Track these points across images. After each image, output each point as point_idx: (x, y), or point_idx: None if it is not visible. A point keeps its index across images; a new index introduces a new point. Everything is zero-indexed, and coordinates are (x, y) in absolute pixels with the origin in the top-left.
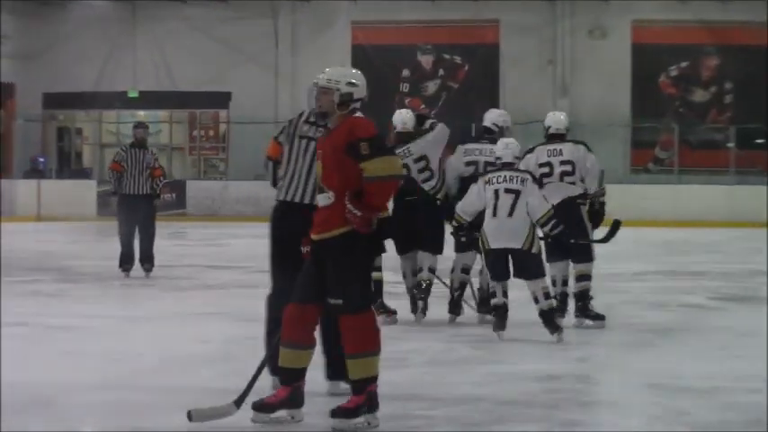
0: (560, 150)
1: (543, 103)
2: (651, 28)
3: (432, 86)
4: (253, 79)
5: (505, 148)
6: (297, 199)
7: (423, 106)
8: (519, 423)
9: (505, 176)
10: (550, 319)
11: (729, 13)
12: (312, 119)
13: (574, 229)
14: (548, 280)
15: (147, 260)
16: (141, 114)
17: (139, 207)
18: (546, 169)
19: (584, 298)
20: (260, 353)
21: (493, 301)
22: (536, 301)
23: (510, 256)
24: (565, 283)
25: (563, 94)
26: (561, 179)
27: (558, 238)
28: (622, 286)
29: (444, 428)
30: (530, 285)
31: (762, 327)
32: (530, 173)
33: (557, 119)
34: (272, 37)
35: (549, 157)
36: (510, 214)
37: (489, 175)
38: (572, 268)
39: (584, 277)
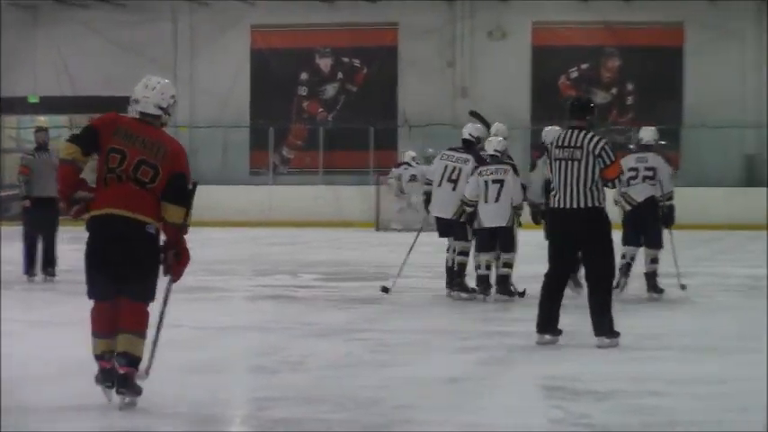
0: (646, 158)
1: (442, 105)
2: (551, 29)
3: (330, 90)
4: None
5: (493, 144)
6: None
7: (321, 110)
8: (418, 425)
9: (493, 169)
10: (504, 284)
11: (631, 14)
12: None
13: (650, 221)
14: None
15: (50, 264)
16: (42, 119)
17: (46, 211)
18: (633, 173)
19: (653, 277)
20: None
21: (478, 272)
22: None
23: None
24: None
25: (462, 95)
26: (644, 181)
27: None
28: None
29: (344, 431)
30: (503, 257)
31: (662, 327)
32: (511, 164)
33: (647, 133)
34: (172, 40)
35: (636, 163)
36: (497, 199)
37: (480, 168)
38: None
39: (656, 260)
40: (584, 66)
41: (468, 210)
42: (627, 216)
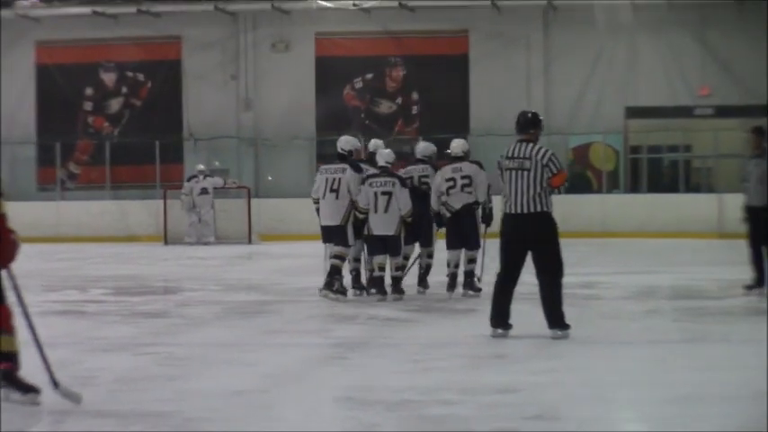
0: (461, 168)
1: (227, 117)
2: (334, 40)
3: (115, 104)
4: None
5: (385, 155)
6: None
7: (106, 124)
8: None
9: (382, 182)
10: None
11: (415, 23)
12: None
13: (469, 227)
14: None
15: None
16: None
17: None
18: (451, 183)
19: (471, 275)
20: None
21: (374, 275)
22: (394, 269)
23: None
24: (456, 265)
25: (246, 108)
26: (462, 190)
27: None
28: (310, 300)
29: None
30: (392, 260)
31: (452, 336)
32: (398, 177)
33: (456, 144)
34: None
35: (453, 173)
36: (385, 210)
37: (371, 180)
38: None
39: (473, 261)
40: (368, 76)
41: (361, 217)
42: (448, 223)
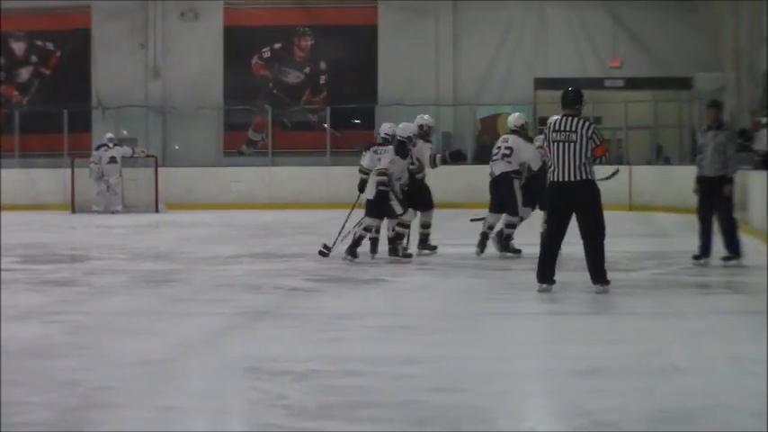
0: (507, 139)
1: (135, 86)
2: (243, 10)
3: (25, 73)
4: None
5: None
6: None
7: (16, 93)
8: (116, 407)
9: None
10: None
11: None
12: None
13: (506, 193)
14: None
15: None
16: None
17: None
18: (496, 151)
19: (508, 238)
20: None
21: (369, 236)
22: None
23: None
24: (491, 227)
25: (155, 77)
26: (502, 158)
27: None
28: (217, 269)
29: (43, 414)
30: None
31: (358, 307)
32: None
33: (511, 118)
34: None
35: (501, 143)
36: None
37: (374, 147)
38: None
39: (510, 225)
40: (276, 45)
41: (363, 177)
42: (489, 188)
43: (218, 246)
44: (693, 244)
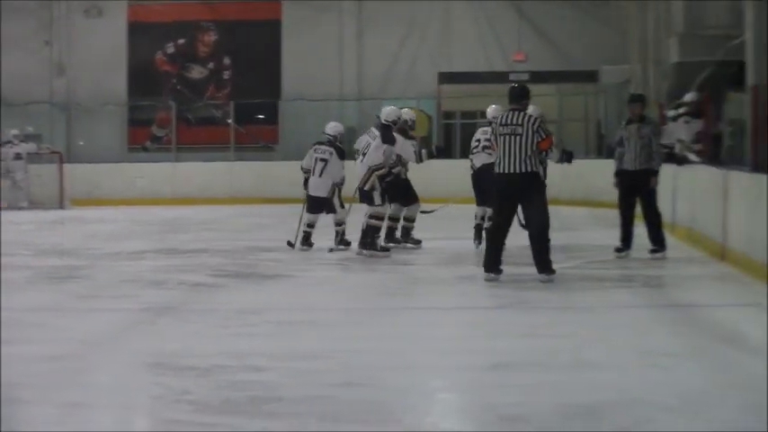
0: (488, 131)
1: (40, 83)
2: (148, 6)
3: None
4: None
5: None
6: None
7: None
8: (24, 403)
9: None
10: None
11: None
12: None
13: (487, 185)
14: None
15: None
16: None
17: None
18: (476, 143)
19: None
20: None
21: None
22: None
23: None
24: (482, 218)
25: (59, 74)
26: (483, 151)
27: None
28: (122, 265)
29: None
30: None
31: (262, 303)
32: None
33: (491, 110)
34: None
35: (480, 135)
36: (320, 174)
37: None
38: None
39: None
40: (180, 41)
41: (306, 176)
42: (471, 180)
43: (123, 242)
44: (602, 238)
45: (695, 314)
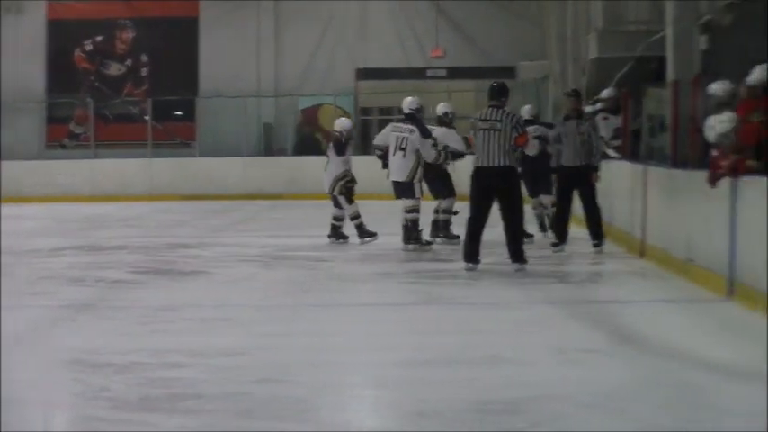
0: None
1: None
2: (66, 3)
3: None
4: None
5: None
6: None
7: None
8: None
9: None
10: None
11: None
12: None
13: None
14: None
15: None
16: None
17: None
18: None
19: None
20: None
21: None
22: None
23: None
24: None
25: None
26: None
27: None
28: (41, 262)
29: None
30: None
31: (180, 299)
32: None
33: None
34: None
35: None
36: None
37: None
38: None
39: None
40: (98, 38)
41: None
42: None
43: (42, 239)
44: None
45: (613, 310)
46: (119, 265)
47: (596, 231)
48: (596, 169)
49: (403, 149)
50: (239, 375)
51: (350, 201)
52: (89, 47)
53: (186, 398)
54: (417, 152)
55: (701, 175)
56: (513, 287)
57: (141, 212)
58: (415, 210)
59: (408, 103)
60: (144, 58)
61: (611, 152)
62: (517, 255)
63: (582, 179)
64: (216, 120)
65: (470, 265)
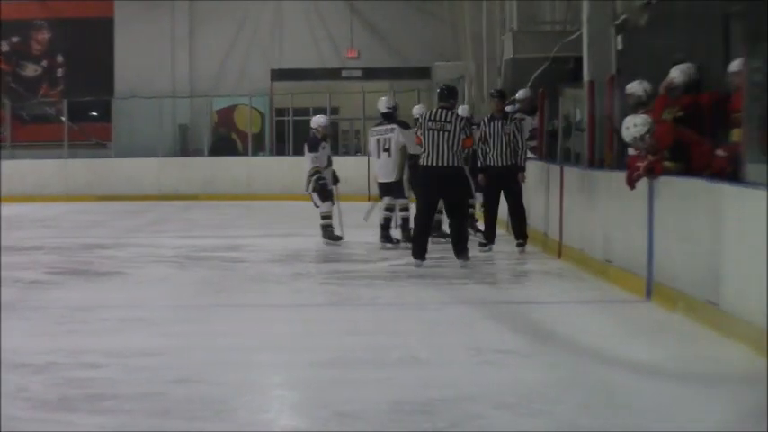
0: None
1: None
2: None
3: None
4: None
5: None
6: None
7: None
8: None
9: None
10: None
11: None
12: None
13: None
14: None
15: None
16: None
17: None
18: None
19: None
20: None
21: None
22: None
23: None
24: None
25: None
26: None
27: None
28: None
29: None
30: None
31: (95, 300)
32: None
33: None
34: None
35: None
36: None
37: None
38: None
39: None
40: (14, 39)
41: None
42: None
43: None
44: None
45: (530, 311)
46: (35, 266)
47: (521, 231)
48: (523, 169)
49: (387, 150)
50: (156, 375)
51: (323, 198)
52: (5, 48)
53: (104, 398)
54: (402, 149)
55: (618, 176)
56: (431, 288)
57: (57, 213)
58: (407, 208)
59: (384, 103)
60: (60, 58)
61: (526, 153)
62: (462, 252)
63: (509, 179)
64: (131, 120)
65: (419, 261)
